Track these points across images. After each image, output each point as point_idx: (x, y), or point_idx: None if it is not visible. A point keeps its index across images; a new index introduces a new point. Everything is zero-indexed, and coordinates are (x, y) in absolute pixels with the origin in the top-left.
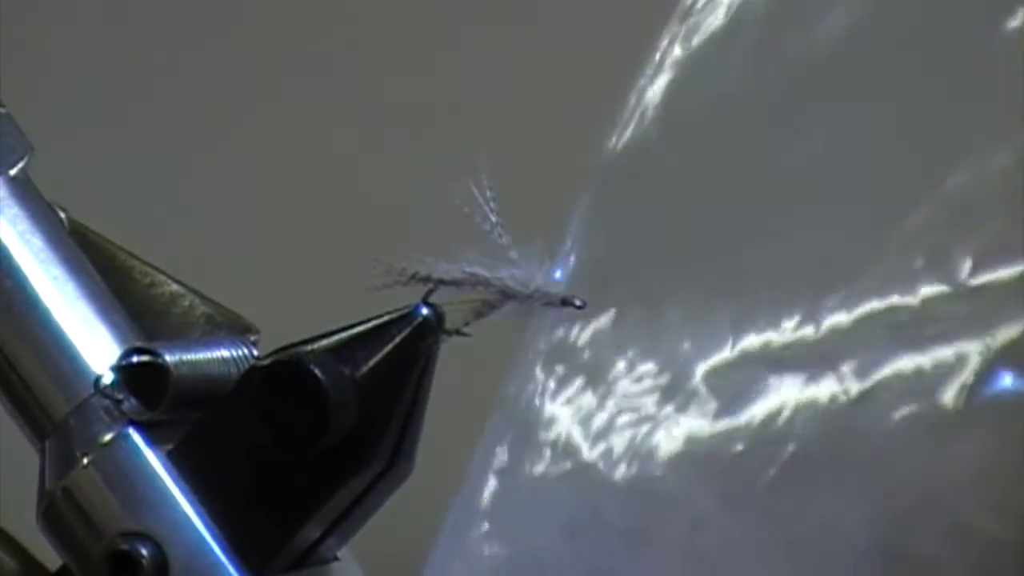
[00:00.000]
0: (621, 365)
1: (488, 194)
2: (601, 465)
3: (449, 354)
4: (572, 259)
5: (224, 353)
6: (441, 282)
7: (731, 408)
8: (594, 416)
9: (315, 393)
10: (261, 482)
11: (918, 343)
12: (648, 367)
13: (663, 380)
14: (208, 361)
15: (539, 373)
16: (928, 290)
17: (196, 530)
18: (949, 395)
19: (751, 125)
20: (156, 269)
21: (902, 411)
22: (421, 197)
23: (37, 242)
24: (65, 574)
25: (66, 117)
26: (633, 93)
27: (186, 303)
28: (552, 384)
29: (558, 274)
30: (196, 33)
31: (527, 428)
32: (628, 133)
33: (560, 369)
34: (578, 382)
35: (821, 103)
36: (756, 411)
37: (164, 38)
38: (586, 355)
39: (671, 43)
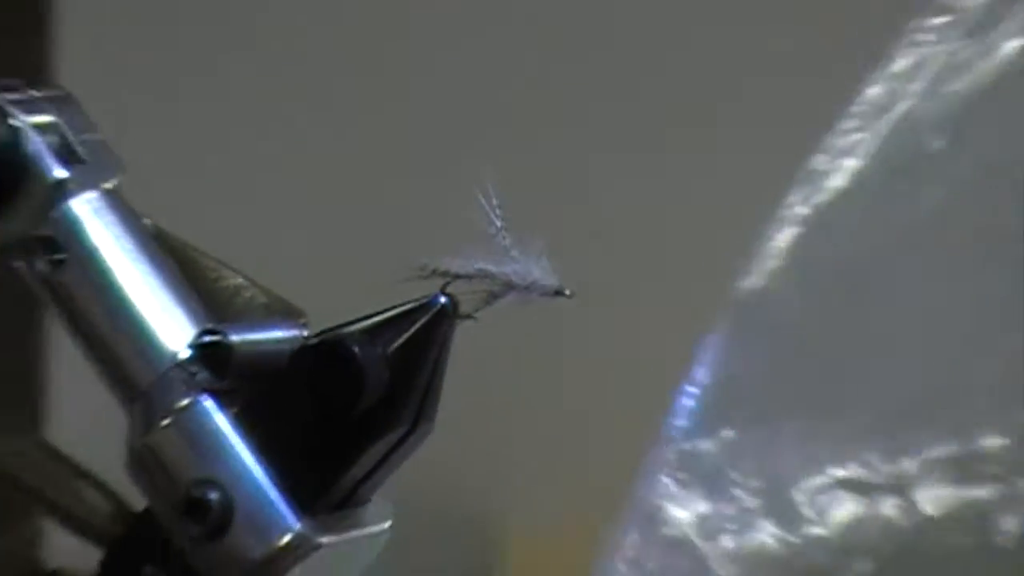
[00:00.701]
0: (734, 478)
1: (494, 203)
2: (710, 561)
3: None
4: (703, 382)
5: (279, 334)
6: (456, 276)
7: (818, 523)
8: (707, 519)
9: (353, 367)
10: (309, 439)
11: (980, 483)
12: (756, 482)
13: (766, 494)
14: (266, 340)
15: (665, 479)
16: (990, 440)
17: (256, 478)
18: (1003, 530)
19: (861, 277)
20: (224, 265)
21: (962, 539)
22: (441, 208)
23: (128, 244)
24: (148, 514)
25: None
26: (763, 242)
27: (248, 293)
28: (675, 489)
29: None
30: (218, 38)
31: (652, 525)
32: (755, 277)
33: (683, 477)
34: (697, 490)
35: (919, 266)
36: (838, 528)
37: (201, 44)
38: (706, 467)
39: (798, 202)
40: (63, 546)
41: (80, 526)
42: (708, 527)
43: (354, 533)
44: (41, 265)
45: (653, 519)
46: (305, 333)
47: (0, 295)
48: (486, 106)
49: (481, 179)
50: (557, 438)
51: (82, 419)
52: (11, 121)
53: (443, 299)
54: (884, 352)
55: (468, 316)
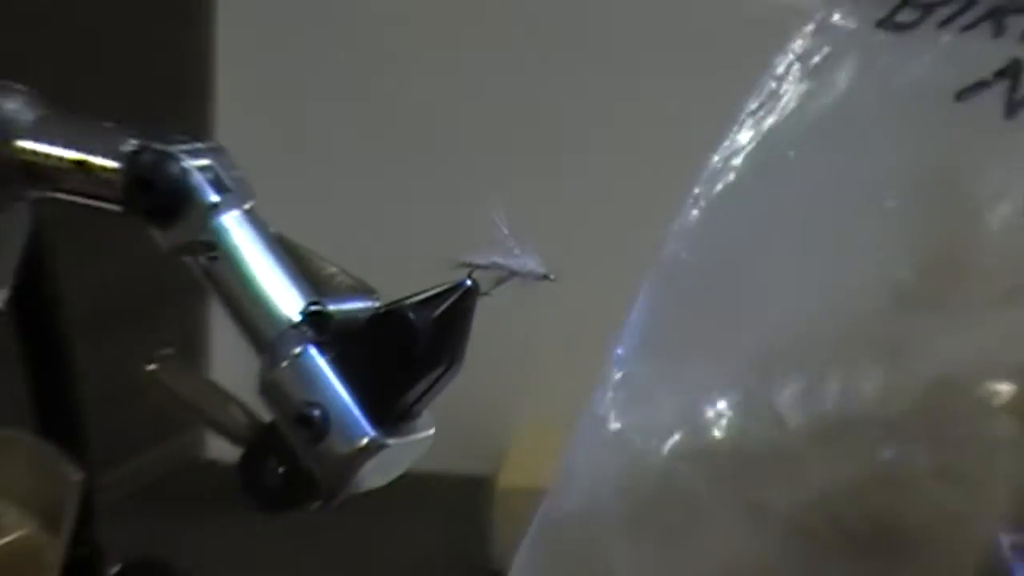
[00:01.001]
0: (658, 396)
1: (502, 217)
2: (639, 452)
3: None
4: (636, 323)
5: (360, 305)
6: (477, 266)
7: (714, 430)
8: (639, 426)
9: (410, 327)
10: (380, 375)
11: (825, 408)
12: (673, 400)
13: (680, 409)
14: (352, 309)
15: (610, 394)
16: (832, 378)
17: (345, 401)
18: (844, 440)
19: (744, 251)
20: (324, 259)
21: (810, 446)
22: (467, 221)
23: (259, 245)
24: (272, 425)
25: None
26: (675, 224)
27: (340, 278)
28: (616, 403)
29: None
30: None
31: (601, 425)
32: (671, 248)
33: (622, 394)
34: (632, 404)
35: (784, 244)
36: (728, 434)
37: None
38: (638, 387)
39: (699, 194)
40: (217, 445)
41: (228, 432)
42: (640, 431)
43: (410, 438)
44: (202, 260)
45: (600, 425)
46: (377, 304)
47: (176, 282)
48: (501, 156)
49: (494, 203)
50: (557, 352)
51: (232, 363)
52: (182, 164)
53: (469, 282)
54: (760, 309)
55: (485, 293)
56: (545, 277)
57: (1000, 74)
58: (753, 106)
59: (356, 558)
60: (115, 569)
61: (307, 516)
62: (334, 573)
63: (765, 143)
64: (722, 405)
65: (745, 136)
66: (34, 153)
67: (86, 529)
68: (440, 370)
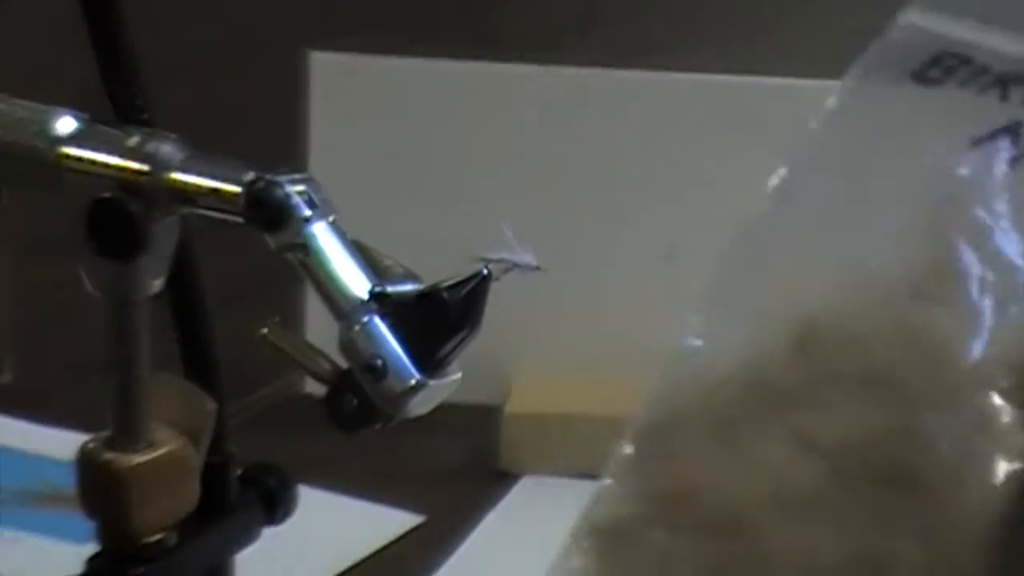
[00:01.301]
0: (727, 332)
1: (510, 224)
2: (715, 379)
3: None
4: (714, 281)
5: (409, 287)
6: (491, 260)
7: (764, 369)
8: (713, 356)
9: (444, 303)
10: (424, 335)
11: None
12: (736, 336)
13: (741, 344)
14: (403, 290)
15: (692, 335)
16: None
17: (399, 354)
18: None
19: (801, 236)
20: (384, 255)
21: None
22: (484, 231)
23: (340, 246)
24: (349, 371)
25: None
26: (752, 210)
27: (394, 268)
28: (698, 336)
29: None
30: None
31: (685, 357)
32: (746, 225)
33: (701, 332)
34: (709, 338)
35: (833, 235)
36: (769, 372)
37: None
38: (714, 325)
39: (772, 191)
40: (311, 385)
41: (318, 376)
42: (715, 364)
43: (444, 380)
44: (299, 256)
45: (684, 356)
46: (421, 286)
47: (281, 272)
48: (507, 187)
49: (503, 219)
50: (545, 323)
51: (321, 328)
52: (285, 189)
53: (485, 271)
54: (809, 281)
55: (496, 278)
56: (537, 268)
57: (1005, 131)
58: (813, 126)
59: (403, 464)
60: (239, 472)
61: (371, 435)
62: (389, 474)
63: (824, 155)
64: (777, 352)
65: (807, 148)
66: (183, 182)
67: (218, 444)
68: (465, 333)
